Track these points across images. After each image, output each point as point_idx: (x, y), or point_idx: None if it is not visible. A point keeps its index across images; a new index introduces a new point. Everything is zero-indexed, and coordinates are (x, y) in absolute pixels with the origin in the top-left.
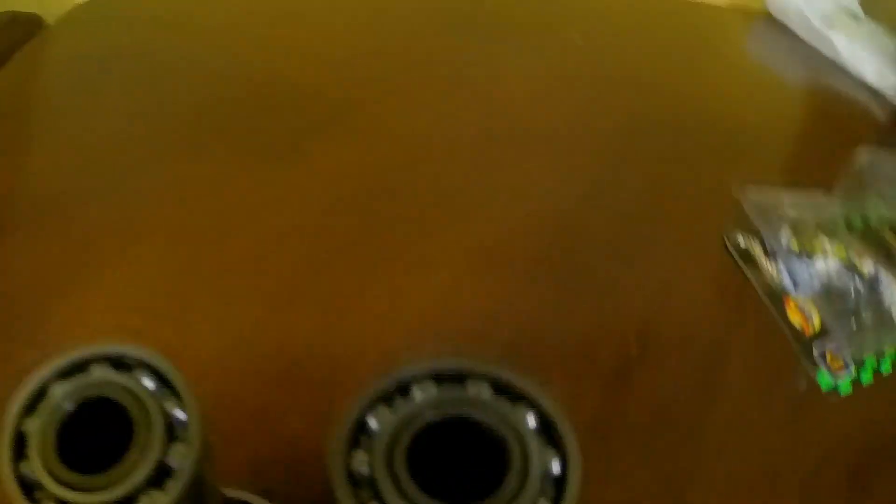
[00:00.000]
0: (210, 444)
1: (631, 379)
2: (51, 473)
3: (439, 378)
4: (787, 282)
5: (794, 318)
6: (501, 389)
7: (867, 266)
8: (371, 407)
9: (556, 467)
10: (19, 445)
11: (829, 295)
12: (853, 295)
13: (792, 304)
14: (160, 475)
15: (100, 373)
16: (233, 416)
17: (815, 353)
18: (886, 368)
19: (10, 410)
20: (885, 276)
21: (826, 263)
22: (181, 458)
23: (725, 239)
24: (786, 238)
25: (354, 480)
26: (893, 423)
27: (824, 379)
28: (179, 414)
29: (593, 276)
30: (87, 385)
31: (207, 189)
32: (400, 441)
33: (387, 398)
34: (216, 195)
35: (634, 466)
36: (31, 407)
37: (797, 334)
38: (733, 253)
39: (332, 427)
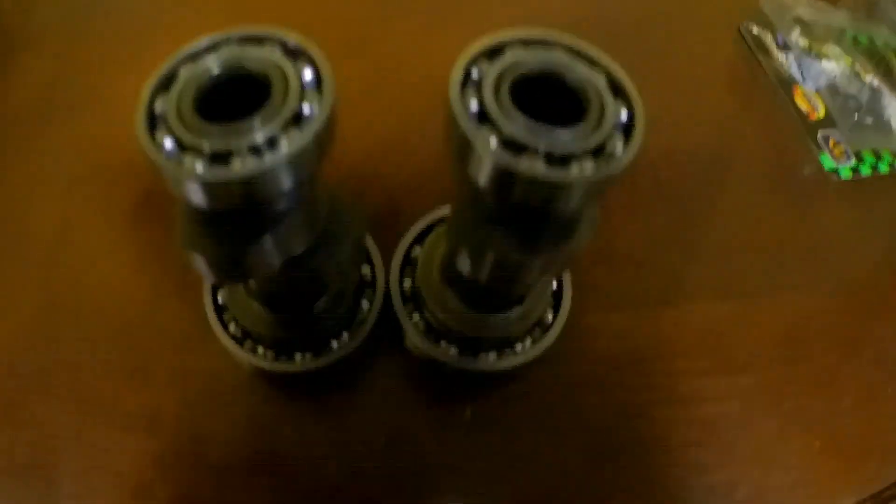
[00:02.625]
0: (338, 108)
1: (653, 131)
2: (188, 128)
3: (528, 43)
4: (796, 73)
5: (802, 104)
6: (580, 57)
7: (870, 79)
8: (475, 61)
9: (623, 115)
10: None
11: (835, 91)
12: (857, 97)
13: (800, 92)
14: (297, 121)
15: (230, 51)
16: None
17: (819, 137)
18: (884, 169)
19: (144, 87)
20: (886, 91)
21: (834, 65)
22: (316, 103)
23: (741, 28)
24: (797, 35)
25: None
26: (888, 221)
27: (827, 160)
28: (308, 75)
29: (621, 52)
30: (226, 58)
31: None
32: (503, 83)
33: (487, 55)
34: None
35: (656, 203)
36: (164, 86)
37: (803, 118)
38: (748, 40)
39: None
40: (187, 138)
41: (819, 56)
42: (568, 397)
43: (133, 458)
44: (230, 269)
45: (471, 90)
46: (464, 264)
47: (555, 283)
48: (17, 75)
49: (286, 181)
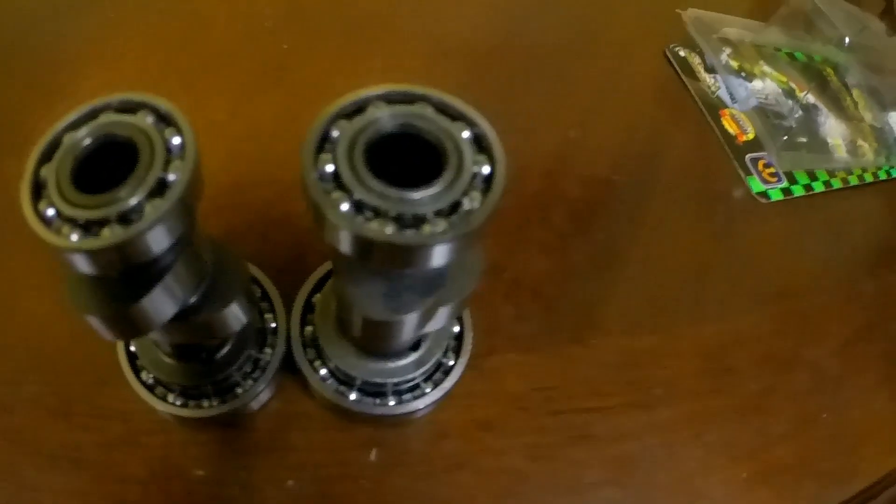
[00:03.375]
0: (200, 173)
1: (570, 160)
2: (65, 199)
3: (391, 100)
4: (724, 95)
5: (730, 126)
6: (443, 111)
7: (806, 97)
8: (333, 121)
9: (486, 169)
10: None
11: (765, 112)
12: (790, 115)
13: (728, 115)
14: (161, 188)
15: (107, 119)
16: (208, 191)
17: (748, 159)
18: (819, 187)
19: (30, 157)
20: (823, 108)
21: (764, 84)
22: (178, 171)
23: (667, 51)
24: (725, 56)
25: (322, 177)
26: (818, 239)
27: (755, 183)
28: (176, 140)
29: (543, 69)
30: (98, 126)
31: None
32: (358, 143)
33: (346, 114)
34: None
35: (571, 236)
36: (48, 156)
37: (731, 141)
38: (674, 63)
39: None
40: (64, 208)
41: (749, 76)
42: (474, 439)
43: (59, 496)
44: (123, 325)
45: (328, 152)
46: (346, 320)
47: (456, 326)
48: None
49: (159, 243)
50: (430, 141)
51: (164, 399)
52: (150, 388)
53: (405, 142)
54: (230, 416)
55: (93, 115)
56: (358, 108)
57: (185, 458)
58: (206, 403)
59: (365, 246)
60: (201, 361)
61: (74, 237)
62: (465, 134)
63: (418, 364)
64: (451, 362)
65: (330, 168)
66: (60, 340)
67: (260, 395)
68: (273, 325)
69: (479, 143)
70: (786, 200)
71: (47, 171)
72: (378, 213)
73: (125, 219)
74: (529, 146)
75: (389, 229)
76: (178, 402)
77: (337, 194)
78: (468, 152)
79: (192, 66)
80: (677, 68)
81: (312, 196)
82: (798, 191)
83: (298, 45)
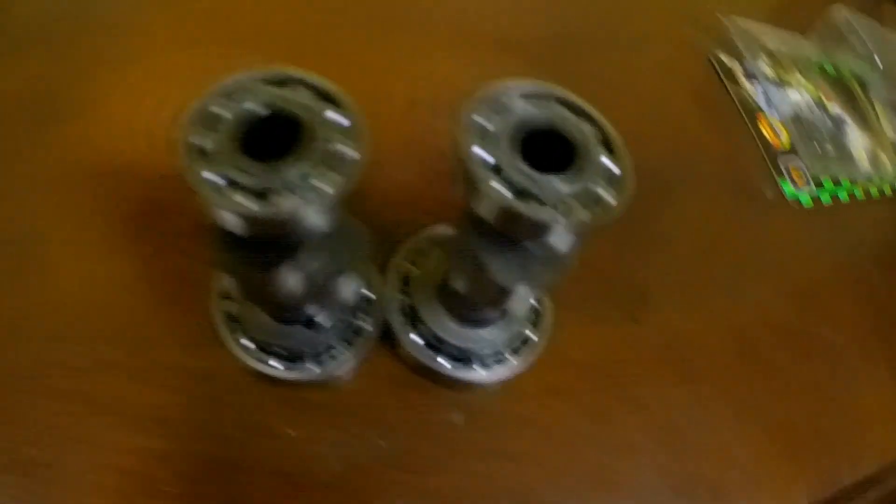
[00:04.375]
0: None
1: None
2: (236, 167)
3: (526, 95)
4: (762, 101)
5: (766, 132)
6: (573, 110)
7: (834, 108)
8: (478, 109)
9: (615, 169)
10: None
11: (799, 120)
12: (820, 126)
13: (765, 120)
14: (329, 161)
15: (264, 90)
16: None
17: (781, 165)
18: (844, 196)
19: (182, 125)
20: (850, 121)
21: (799, 94)
22: (349, 147)
23: (710, 57)
24: (764, 65)
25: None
26: (839, 242)
27: (788, 188)
28: (336, 116)
29: (590, 73)
30: (270, 98)
31: None
32: (514, 137)
33: (491, 107)
34: None
35: (625, 224)
36: (202, 125)
37: (767, 145)
38: (717, 68)
39: None
40: (235, 175)
41: (785, 85)
42: (544, 402)
43: (139, 456)
44: (262, 290)
45: (477, 138)
46: (461, 285)
47: (537, 304)
48: (3, 81)
49: (319, 217)
50: (571, 138)
51: (263, 361)
52: (249, 351)
53: (548, 137)
54: (325, 378)
55: (244, 88)
56: (496, 101)
57: (277, 418)
58: (305, 367)
59: (515, 219)
60: (304, 325)
61: (247, 202)
62: (594, 134)
63: (504, 333)
64: (532, 336)
65: (485, 156)
66: (143, 304)
67: (354, 359)
68: (369, 293)
69: (607, 145)
70: (813, 204)
71: (206, 138)
72: (523, 193)
73: (300, 190)
74: None
75: (544, 210)
76: (280, 365)
77: (494, 177)
78: (600, 151)
79: (229, 40)
80: (720, 73)
81: (474, 175)
82: (825, 197)
83: (370, 33)
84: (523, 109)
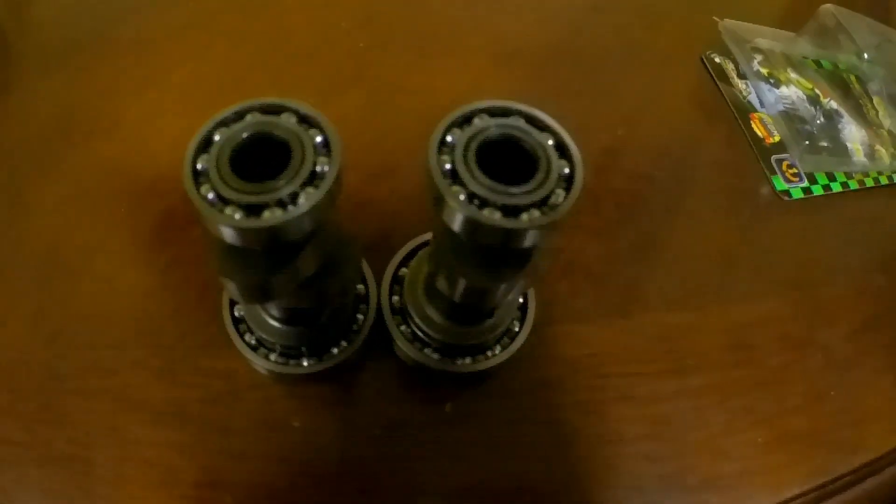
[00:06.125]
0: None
1: (618, 156)
2: (227, 184)
3: (491, 112)
4: (754, 100)
5: (758, 129)
6: (532, 122)
7: (829, 102)
8: (449, 128)
9: (566, 170)
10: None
11: (791, 117)
12: (812, 121)
13: (757, 118)
14: (312, 179)
15: (254, 119)
16: None
17: (773, 160)
18: (836, 188)
19: (188, 148)
20: (845, 114)
21: (791, 91)
22: (327, 164)
23: (703, 57)
24: (756, 64)
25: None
26: (834, 235)
27: (779, 182)
28: (319, 139)
29: (590, 77)
30: (254, 124)
31: None
32: (471, 148)
33: (458, 124)
34: (269, 1)
35: (618, 223)
36: (202, 149)
37: (759, 142)
38: (709, 69)
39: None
40: (226, 192)
41: (778, 83)
42: (534, 395)
43: (161, 448)
44: (257, 293)
45: (446, 152)
46: (442, 285)
47: (521, 298)
48: (30, 100)
49: (305, 226)
50: (526, 148)
51: (266, 358)
52: (254, 349)
53: (506, 147)
54: (325, 373)
55: (240, 115)
56: (466, 119)
57: (284, 411)
58: (304, 362)
59: (476, 226)
60: (304, 324)
61: (237, 217)
62: (550, 142)
63: (491, 329)
64: (517, 329)
65: (448, 166)
66: (162, 311)
67: (352, 354)
68: (364, 294)
69: (561, 149)
70: (806, 198)
71: (205, 161)
72: (486, 203)
73: (283, 204)
74: (582, 143)
75: (496, 216)
76: (280, 361)
77: (455, 187)
78: (554, 157)
79: (277, 62)
80: (713, 74)
81: (438, 186)
82: (817, 190)
83: (374, 46)
84: (487, 125)
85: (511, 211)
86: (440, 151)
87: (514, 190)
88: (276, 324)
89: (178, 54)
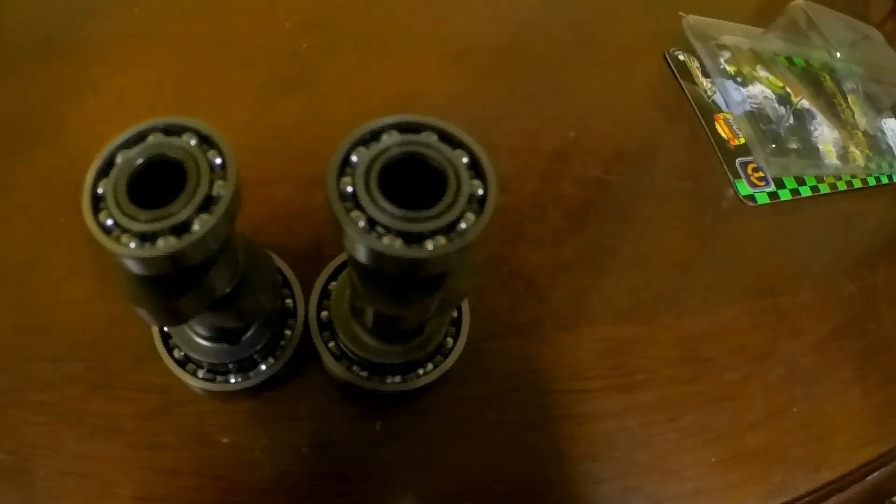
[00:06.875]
0: (241, 189)
1: (568, 160)
2: (123, 211)
3: (401, 128)
4: (719, 99)
5: (722, 130)
6: (445, 138)
7: (802, 102)
8: (353, 147)
9: (480, 190)
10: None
11: (756, 117)
12: (780, 121)
13: (721, 119)
14: (207, 204)
15: (155, 140)
16: None
17: (738, 163)
18: (806, 192)
19: (88, 173)
20: (818, 114)
21: (759, 89)
22: (222, 188)
23: (666, 55)
24: (722, 61)
25: (343, 196)
26: (799, 241)
27: (743, 186)
28: (218, 160)
29: (543, 77)
30: (150, 147)
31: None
32: (373, 168)
33: (363, 142)
34: (214, 3)
35: (565, 232)
36: (104, 172)
37: (722, 144)
38: (672, 67)
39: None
40: (122, 219)
41: (745, 81)
42: (470, 412)
43: (98, 462)
44: (168, 316)
45: (348, 173)
46: (362, 307)
47: (455, 313)
48: None
49: (203, 250)
50: (434, 167)
51: (194, 374)
52: (182, 365)
53: (414, 166)
54: (253, 389)
55: (142, 136)
56: (374, 135)
57: (214, 427)
58: (231, 379)
59: (377, 256)
60: (228, 342)
61: (132, 245)
62: (465, 160)
63: (421, 346)
64: (451, 345)
65: (350, 189)
66: (99, 323)
67: (280, 371)
68: (293, 308)
69: (476, 168)
70: (772, 203)
71: (104, 186)
72: (388, 230)
73: (177, 231)
74: (531, 146)
75: (397, 244)
76: (207, 377)
77: (355, 213)
78: (465, 177)
79: (218, 66)
80: (675, 72)
81: (335, 213)
82: (785, 195)
83: (317, 48)
84: (394, 142)
85: (414, 238)
86: (343, 173)
87: (417, 215)
88: (201, 341)
89: (121, 61)
